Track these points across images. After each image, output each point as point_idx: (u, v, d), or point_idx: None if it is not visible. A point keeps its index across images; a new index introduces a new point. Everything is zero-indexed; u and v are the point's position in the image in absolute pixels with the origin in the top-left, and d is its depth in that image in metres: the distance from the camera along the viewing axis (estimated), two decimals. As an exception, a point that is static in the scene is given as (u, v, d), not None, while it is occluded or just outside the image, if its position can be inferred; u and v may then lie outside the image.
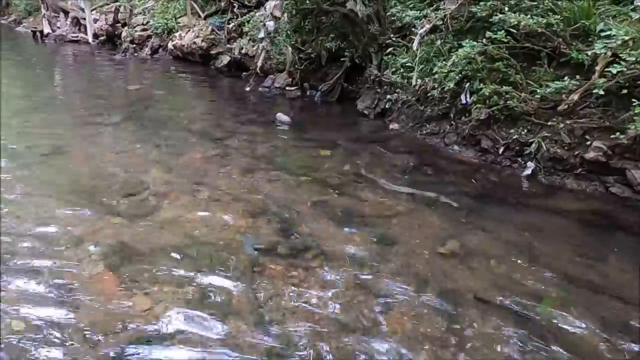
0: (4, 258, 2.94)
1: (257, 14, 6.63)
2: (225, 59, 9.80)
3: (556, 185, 4.35)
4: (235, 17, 9.93)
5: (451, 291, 2.85)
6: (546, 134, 4.35)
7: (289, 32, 7.92)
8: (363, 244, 3.34)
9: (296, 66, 8.06)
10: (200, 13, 11.02)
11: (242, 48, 6.70)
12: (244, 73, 7.88)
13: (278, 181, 4.38)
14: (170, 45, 11.27)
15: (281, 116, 6.45)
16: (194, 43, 10.45)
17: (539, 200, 4.16)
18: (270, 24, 6.48)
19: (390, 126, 6.01)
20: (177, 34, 11.08)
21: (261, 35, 6.59)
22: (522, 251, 3.33)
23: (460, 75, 4.92)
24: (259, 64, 6.75)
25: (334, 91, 7.40)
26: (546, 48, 4.50)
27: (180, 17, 11.49)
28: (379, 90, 6.45)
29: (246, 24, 7.03)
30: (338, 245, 3.32)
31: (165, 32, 11.70)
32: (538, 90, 4.36)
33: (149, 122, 6.22)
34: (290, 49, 7.73)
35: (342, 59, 7.36)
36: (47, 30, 15.26)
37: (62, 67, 11.45)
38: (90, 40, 11.57)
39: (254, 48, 6.83)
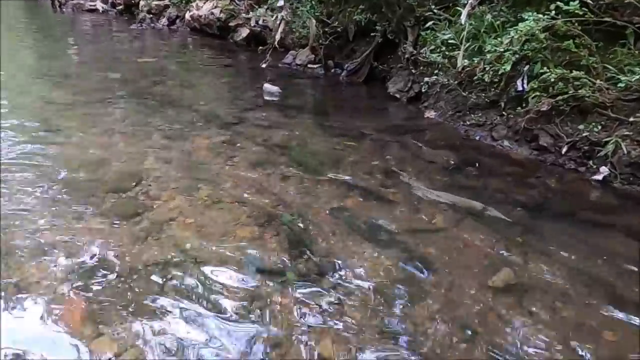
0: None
1: None
2: (244, 32, 9.05)
3: (635, 196, 3.52)
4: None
5: (507, 351, 2.15)
6: (627, 133, 3.49)
7: (313, 2, 7.08)
8: (392, 272, 2.65)
9: (320, 41, 7.26)
10: (220, -19, 10.20)
11: (259, 18, 5.94)
12: (260, 47, 7.12)
13: (292, 179, 3.70)
14: (187, 16, 10.57)
15: (269, 87, 5.76)
16: (212, 14, 9.70)
17: (614, 216, 3.34)
18: None
19: (426, 114, 5.20)
20: (194, 4, 10.34)
21: (280, 3, 5.79)
22: (597, 288, 2.58)
23: (517, 56, 4.06)
24: (277, 37, 5.98)
25: (361, 70, 6.59)
26: (633, 23, 3.58)
27: (199, -15, 10.70)
28: (413, 71, 5.61)
29: None
30: (361, 271, 2.64)
31: (183, 1, 10.97)
32: (620, 78, 3.48)
33: (155, 100, 5.60)
34: (314, 21, 6.91)
35: (372, 34, 6.52)
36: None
37: (77, 37, 10.91)
38: (100, 8, 11.00)
39: (273, 19, 6.06)
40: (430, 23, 5.28)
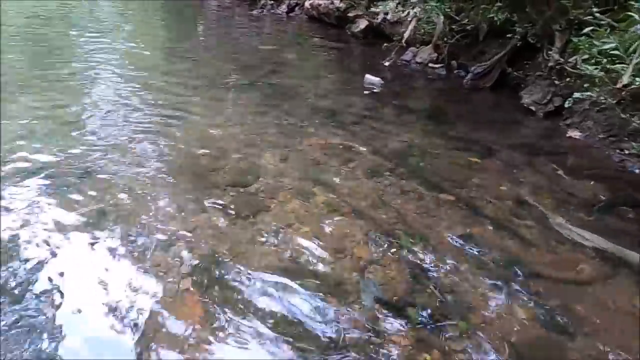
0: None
1: None
2: (362, 24, 8.81)
3: None
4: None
5: None
6: None
7: (443, -4, 6.57)
8: (529, 329, 2.28)
9: (445, 39, 6.75)
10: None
11: (387, 13, 5.61)
12: (385, 44, 6.77)
13: (411, 195, 3.43)
14: (307, 4, 10.61)
15: (370, 77, 5.70)
16: (332, 3, 9.61)
17: None
18: None
19: (569, 133, 4.53)
20: (315, -8, 10.33)
21: None
22: None
23: None
24: (407, 35, 5.61)
25: (490, 75, 5.99)
26: None
27: (322, -27, 10.65)
28: (557, 81, 4.91)
29: None
30: (491, 320, 2.32)
31: (305, -12, 11.03)
32: None
33: (273, 90, 5.66)
34: (442, 17, 6.43)
35: (508, 36, 5.87)
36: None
37: (204, 20, 11.62)
38: None
39: (405, 15, 5.67)
40: (587, 29, 4.53)
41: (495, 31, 6.16)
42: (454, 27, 6.75)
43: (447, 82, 6.43)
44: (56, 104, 4.67)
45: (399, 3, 5.63)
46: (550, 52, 5.01)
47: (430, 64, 6.74)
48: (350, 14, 9.24)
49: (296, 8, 11.42)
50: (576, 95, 4.30)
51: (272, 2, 12.08)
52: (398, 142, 4.38)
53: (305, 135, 4.37)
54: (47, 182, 3.24)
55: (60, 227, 2.77)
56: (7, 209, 2.91)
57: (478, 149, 4.26)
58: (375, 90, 5.85)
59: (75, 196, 3.10)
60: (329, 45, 8.61)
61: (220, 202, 3.16)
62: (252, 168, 3.68)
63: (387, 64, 5.83)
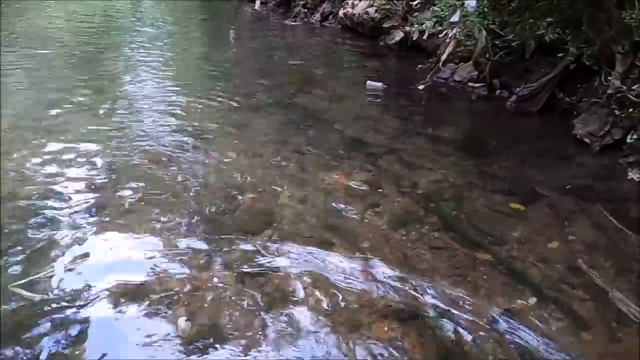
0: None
1: None
2: (397, 35, 8.37)
3: None
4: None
5: None
6: None
7: (485, 8, 6.03)
8: None
9: (487, 55, 6.20)
10: (379, -23, 9.61)
11: (423, 31, 5.16)
12: (419, 65, 6.25)
13: (444, 251, 3.01)
14: (341, 13, 10.27)
15: (372, 84, 5.87)
16: (366, 13, 9.22)
17: None
18: (472, 3, 4.74)
19: (630, 174, 3.93)
20: (349, 1, 9.97)
21: (455, 18, 4.90)
22: None
23: None
24: (444, 56, 5.13)
25: (537, 98, 5.41)
26: None
27: (357, -19, 10.27)
28: (617, 111, 4.31)
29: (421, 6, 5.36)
30: None
31: (339, -3, 10.70)
32: None
33: (298, 113, 5.34)
34: (484, 33, 5.89)
35: (559, 55, 5.28)
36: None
37: (238, 29, 11.46)
38: (257, 7, 11.36)
39: (443, 35, 5.20)
40: (658, 54, 3.93)
41: (544, 48, 5.58)
42: (497, 42, 6.20)
43: (488, 104, 5.90)
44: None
45: (436, 22, 5.14)
46: (610, 78, 4.40)
47: (469, 83, 6.22)
48: (385, 25, 8.82)
49: (330, 17, 11.10)
50: (642, 131, 3.72)
51: (306, 10, 11.82)
52: (430, 180, 3.94)
53: (328, 169, 4.02)
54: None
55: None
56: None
57: (522, 192, 3.77)
58: (378, 94, 5.96)
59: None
60: (361, 60, 8.22)
61: (224, 257, 2.86)
62: (267, 210, 3.37)
63: (421, 87, 5.37)
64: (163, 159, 4.01)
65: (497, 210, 3.51)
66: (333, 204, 3.51)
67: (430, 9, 5.19)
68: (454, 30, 4.92)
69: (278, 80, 6.68)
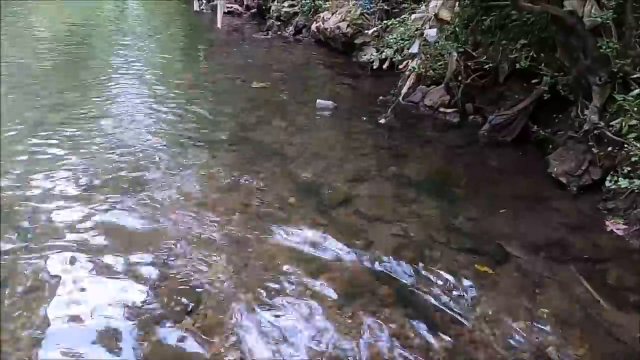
0: None
1: (411, 17, 4.46)
2: (370, 52, 7.93)
3: None
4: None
5: None
6: None
7: (457, 28, 5.61)
8: None
9: (459, 78, 5.80)
10: (352, -11, 9.19)
11: (384, 60, 4.69)
12: (380, 97, 5.58)
13: (394, 340, 2.57)
14: (313, 27, 9.84)
15: (322, 102, 5.93)
16: (338, 28, 8.79)
17: None
18: (432, 33, 4.29)
19: (609, 224, 3.52)
20: (322, 15, 9.54)
21: (414, 49, 4.43)
22: None
23: None
24: (404, 90, 4.67)
25: (511, 127, 5.01)
26: None
27: (329, -7, 9.85)
28: (594, 149, 3.90)
29: (395, 26, 4.79)
30: None
31: (312, 10, 10.26)
32: None
33: (253, 150, 4.86)
34: (455, 55, 5.47)
35: (534, 81, 4.89)
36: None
37: (209, 44, 10.88)
38: (218, 25, 10.73)
39: (402, 66, 4.73)
40: (638, 90, 3.53)
41: (519, 73, 5.18)
42: (469, 63, 5.79)
43: (460, 133, 5.48)
44: None
45: (396, 50, 4.66)
46: (585, 111, 4.00)
47: (441, 108, 5.80)
48: (357, 41, 8.39)
49: (303, 30, 10.66)
50: (622, 182, 3.30)
51: (279, 23, 11.36)
52: (389, 235, 3.50)
53: (277, 224, 3.57)
54: None
55: None
56: None
57: (490, 250, 3.34)
58: (326, 114, 5.93)
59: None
60: (331, 81, 7.79)
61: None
62: (193, 287, 2.91)
63: (382, 121, 4.91)
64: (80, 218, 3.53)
65: (462, 275, 3.09)
66: (273, 273, 3.06)
67: (387, 37, 4.73)
68: (414, 62, 4.47)
69: (238, 108, 6.19)
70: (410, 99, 6.07)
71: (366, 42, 8.16)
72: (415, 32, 4.39)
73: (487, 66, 5.48)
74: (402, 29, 4.67)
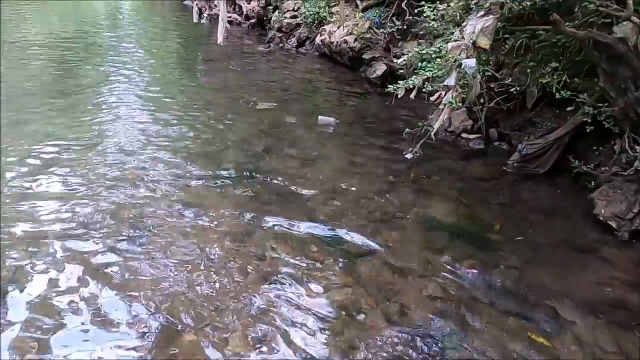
0: None
1: (448, 45, 3.99)
2: (380, 69, 7.56)
3: None
4: (402, 14, 7.47)
5: None
6: None
7: (482, 54, 5.18)
8: None
9: (482, 101, 5.39)
10: (359, 2, 8.80)
11: (411, 89, 4.18)
12: (407, 130, 4.84)
13: None
14: (318, 39, 9.43)
15: (323, 119, 5.93)
16: (345, 42, 8.39)
17: None
18: (470, 63, 3.82)
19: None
20: (327, 27, 9.14)
21: (451, 81, 3.97)
22: None
23: None
24: (437, 126, 4.20)
25: (544, 157, 4.60)
26: None
27: (334, 5, 9.45)
28: (647, 191, 3.52)
29: (431, 56, 4.27)
30: None
31: (316, 22, 9.86)
32: None
33: (263, 186, 4.40)
34: (478, 77, 5.05)
35: (568, 109, 4.50)
36: (210, 11, 14.86)
37: (209, 58, 10.41)
38: (219, 41, 10.13)
39: (435, 98, 4.24)
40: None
41: (550, 98, 4.78)
42: (492, 85, 5.39)
43: (485, 162, 5.06)
44: None
45: (426, 79, 4.17)
46: (637, 147, 3.60)
47: (463, 134, 5.41)
48: (365, 56, 7.98)
49: (307, 42, 10.25)
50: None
51: (281, 34, 10.94)
52: (423, 298, 3.08)
53: (297, 283, 3.14)
54: None
55: None
56: None
57: (540, 314, 2.93)
58: (330, 130, 5.85)
59: None
60: (342, 95, 7.38)
61: None
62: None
63: (409, 156, 4.46)
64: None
65: (512, 351, 2.67)
66: (294, 348, 2.64)
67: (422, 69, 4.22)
68: (449, 95, 4.04)
69: (244, 133, 5.75)
70: (431, 124, 5.64)
71: (375, 57, 7.75)
72: (453, 63, 3.97)
73: (512, 89, 5.09)
74: (439, 60, 4.23)
